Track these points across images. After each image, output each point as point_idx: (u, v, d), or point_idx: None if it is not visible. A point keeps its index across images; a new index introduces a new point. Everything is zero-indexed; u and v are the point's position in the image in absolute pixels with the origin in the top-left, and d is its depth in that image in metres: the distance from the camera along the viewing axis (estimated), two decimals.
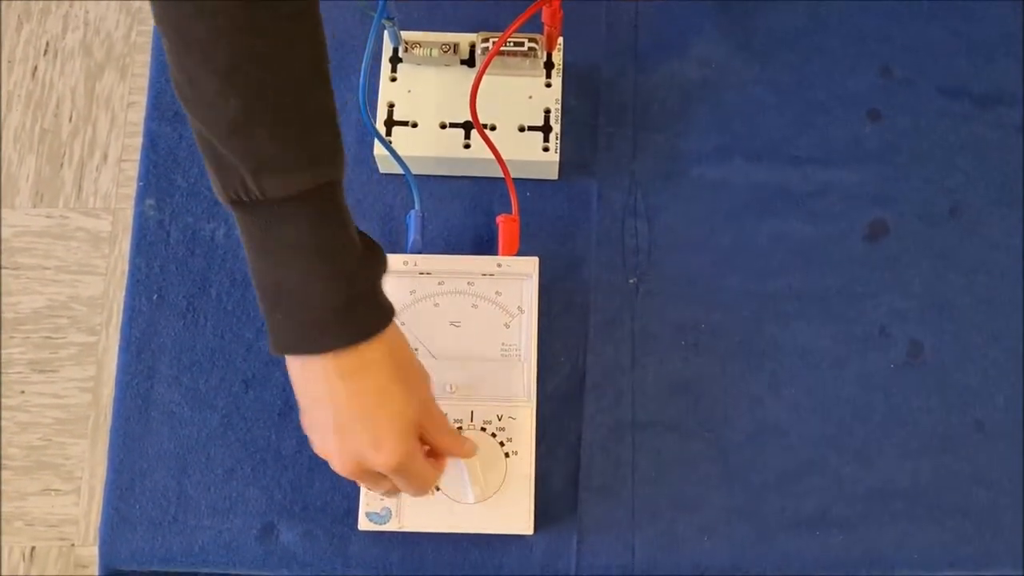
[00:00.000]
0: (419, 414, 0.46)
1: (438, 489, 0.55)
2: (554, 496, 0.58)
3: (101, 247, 1.17)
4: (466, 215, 0.63)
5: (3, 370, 1.14)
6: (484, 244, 0.62)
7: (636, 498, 0.58)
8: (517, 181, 0.61)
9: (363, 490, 0.55)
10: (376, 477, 0.46)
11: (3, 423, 1.12)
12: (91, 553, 1.09)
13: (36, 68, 1.23)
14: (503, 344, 0.57)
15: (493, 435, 0.56)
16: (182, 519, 0.58)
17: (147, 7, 0.77)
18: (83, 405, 1.13)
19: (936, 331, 0.61)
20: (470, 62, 0.63)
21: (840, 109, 0.65)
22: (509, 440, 0.56)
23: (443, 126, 0.62)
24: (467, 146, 0.62)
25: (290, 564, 0.57)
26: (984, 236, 0.63)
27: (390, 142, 0.60)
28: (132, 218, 0.63)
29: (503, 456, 0.55)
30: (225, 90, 0.40)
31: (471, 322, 0.58)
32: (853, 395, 0.60)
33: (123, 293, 0.62)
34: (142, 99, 1.23)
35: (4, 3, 1.24)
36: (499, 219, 0.60)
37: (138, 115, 1.22)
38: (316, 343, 0.44)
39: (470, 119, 0.58)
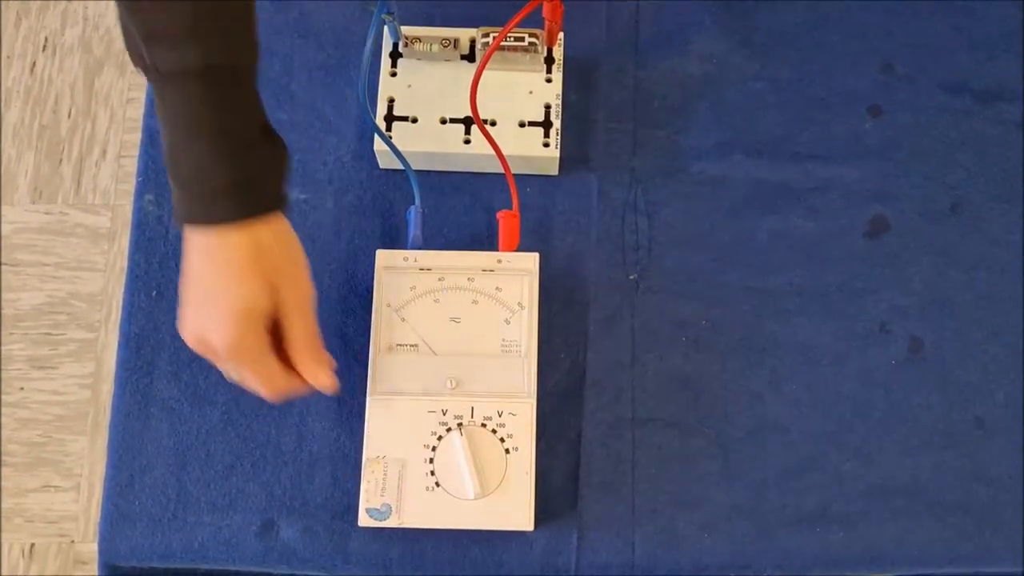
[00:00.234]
0: (275, 311, 0.47)
1: (438, 485, 0.55)
2: (554, 492, 0.58)
3: (100, 243, 1.17)
4: (466, 211, 0.63)
5: (3, 366, 1.14)
6: (484, 240, 0.62)
7: (636, 495, 0.58)
8: (517, 177, 0.61)
9: (363, 487, 0.55)
10: (219, 359, 0.48)
11: (3, 419, 1.12)
12: (91, 549, 1.09)
13: (35, 64, 1.23)
14: (503, 340, 0.57)
15: (493, 431, 0.56)
16: (182, 515, 0.58)
17: None
18: (82, 401, 1.13)
19: (937, 327, 0.61)
20: (470, 57, 0.63)
21: (841, 105, 0.65)
22: (509, 436, 0.56)
23: (443, 121, 0.62)
24: (467, 141, 0.61)
25: (290, 560, 0.57)
26: (985, 232, 0.63)
27: (390, 137, 0.60)
28: (131, 214, 0.63)
29: (503, 452, 0.55)
30: None
31: (471, 318, 0.58)
32: (853, 391, 0.60)
33: (122, 289, 0.62)
34: (141, 95, 1.23)
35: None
36: (499, 215, 0.60)
37: (137, 111, 1.22)
38: (193, 217, 0.47)
39: (470, 114, 0.58)
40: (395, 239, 0.62)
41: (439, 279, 0.58)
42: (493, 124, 0.61)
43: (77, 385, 1.13)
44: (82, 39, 1.23)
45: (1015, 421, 0.60)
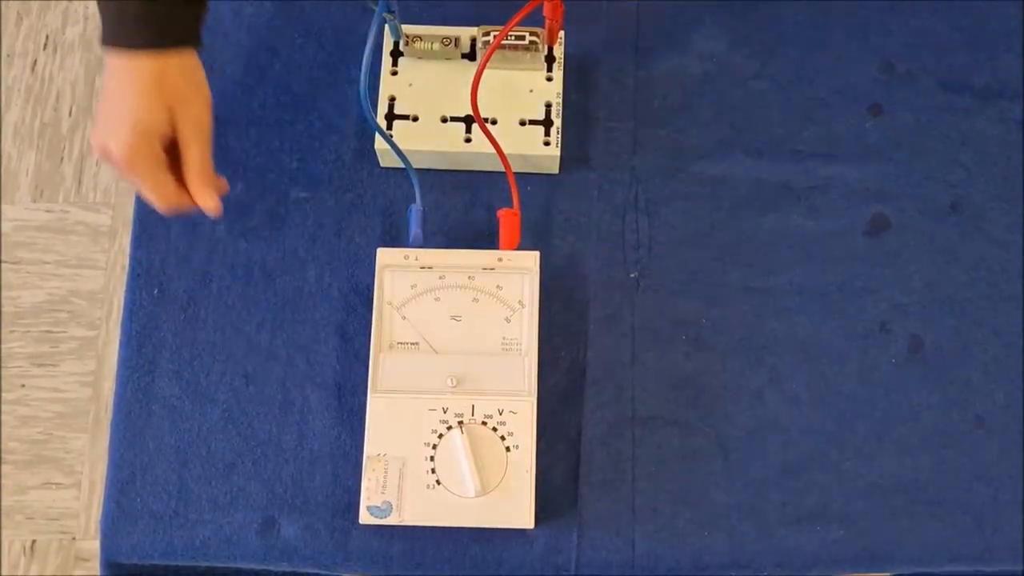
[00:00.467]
0: (170, 130, 0.53)
1: (439, 483, 0.55)
2: (554, 491, 0.58)
3: (101, 241, 1.17)
4: (467, 209, 0.63)
5: (3, 364, 1.14)
6: (485, 238, 0.62)
7: (636, 493, 0.58)
8: (518, 175, 0.61)
9: (364, 485, 0.55)
10: (118, 168, 0.53)
11: (3, 417, 1.12)
12: (92, 547, 1.09)
13: (36, 62, 1.23)
14: (504, 338, 0.57)
15: (494, 429, 0.56)
16: (183, 513, 0.58)
17: None
18: (83, 399, 1.13)
19: (937, 327, 0.61)
20: (471, 56, 0.63)
21: (841, 104, 0.65)
22: (510, 434, 0.56)
23: (444, 120, 0.62)
24: (468, 140, 0.61)
25: (291, 558, 0.57)
26: (985, 231, 0.63)
27: (391, 136, 0.60)
28: (132, 212, 0.63)
29: (504, 450, 0.55)
30: None
31: (472, 316, 0.58)
32: (854, 391, 0.60)
33: (123, 287, 0.62)
34: None
35: None
36: (500, 213, 0.60)
37: None
38: (110, 39, 0.52)
39: (471, 113, 0.58)
40: (396, 237, 0.62)
41: (440, 277, 0.58)
42: (494, 123, 0.61)
43: (78, 383, 1.13)
44: (83, 37, 1.23)
45: (1015, 420, 0.60)
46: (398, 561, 0.57)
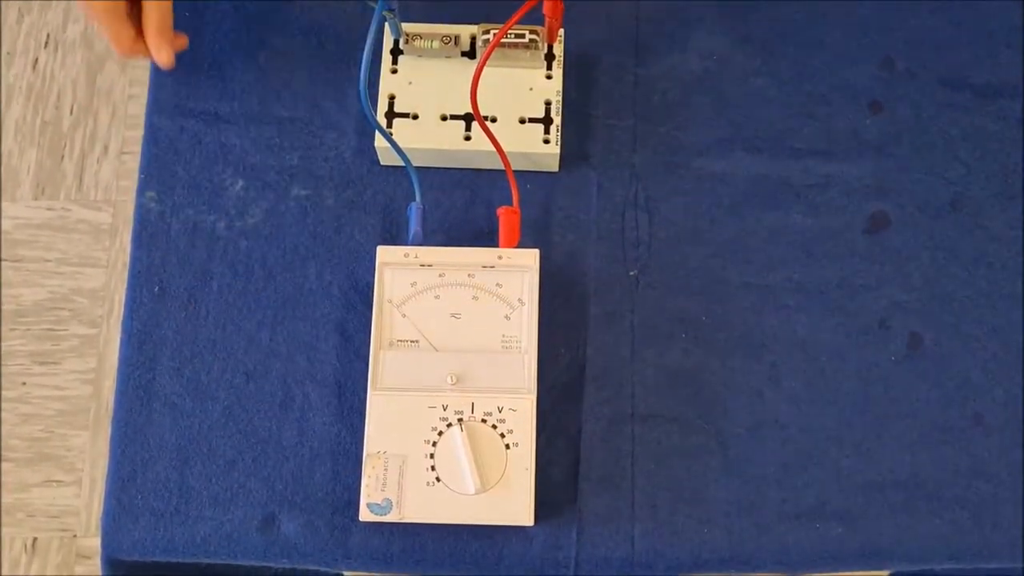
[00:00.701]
0: None
1: (438, 480, 0.55)
2: (554, 488, 0.58)
3: (102, 239, 1.17)
4: (467, 207, 0.63)
5: (4, 362, 1.14)
6: (485, 236, 0.62)
7: (636, 490, 0.58)
8: (518, 173, 0.61)
9: (364, 482, 0.55)
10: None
11: (4, 415, 1.13)
12: (93, 544, 1.09)
13: (37, 60, 1.23)
14: (503, 336, 0.58)
15: (494, 427, 0.56)
16: (184, 510, 0.58)
17: None
18: (84, 397, 1.13)
19: (936, 324, 0.61)
20: (471, 54, 0.63)
21: (841, 101, 0.65)
22: (509, 432, 0.56)
23: (444, 118, 0.62)
24: (468, 138, 0.62)
25: (291, 555, 0.58)
26: (985, 229, 0.63)
27: (391, 134, 0.60)
28: (133, 210, 0.64)
29: (503, 448, 0.56)
30: None
31: (472, 314, 0.58)
32: (853, 388, 0.60)
33: (124, 285, 0.63)
34: (143, 92, 1.23)
35: None
36: (500, 211, 0.60)
37: (139, 107, 1.22)
38: None
39: (471, 111, 0.58)
40: (396, 235, 0.62)
41: (439, 275, 0.58)
42: (493, 121, 0.62)
43: (79, 381, 1.13)
44: (84, 36, 1.23)
45: (1014, 417, 0.60)
46: (398, 558, 0.57)
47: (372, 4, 0.55)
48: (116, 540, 0.58)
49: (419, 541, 0.58)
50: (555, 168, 0.63)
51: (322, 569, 0.59)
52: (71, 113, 1.21)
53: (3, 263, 1.17)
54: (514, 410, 0.56)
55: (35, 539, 1.09)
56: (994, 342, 0.61)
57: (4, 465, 1.11)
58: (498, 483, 0.55)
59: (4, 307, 1.15)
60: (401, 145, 0.59)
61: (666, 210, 0.63)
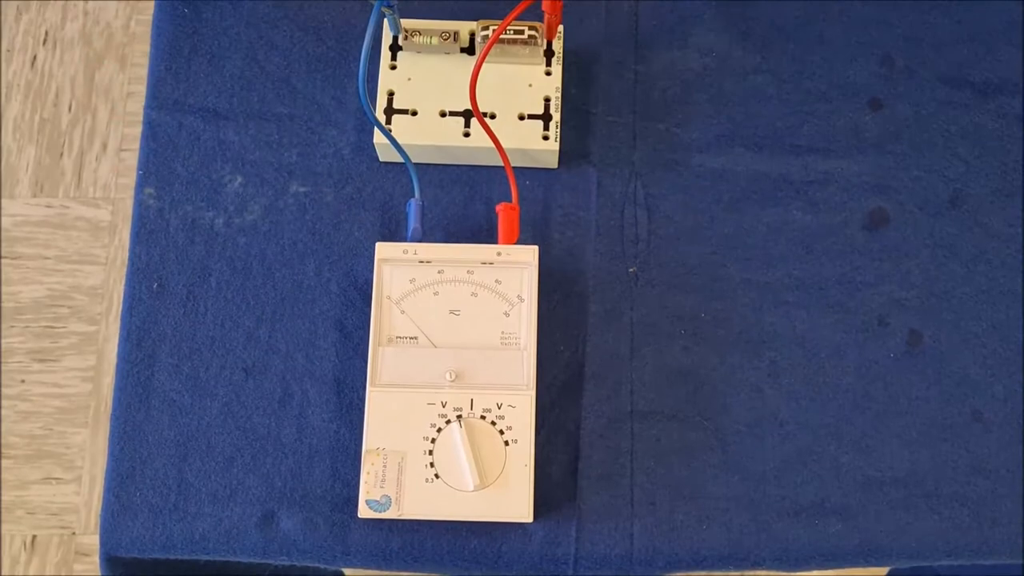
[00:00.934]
0: None
1: (437, 477, 0.55)
2: (553, 484, 0.58)
3: (101, 236, 1.17)
4: (466, 203, 0.63)
5: (3, 359, 1.14)
6: (484, 232, 0.62)
7: (635, 487, 0.58)
8: (517, 170, 0.61)
9: (363, 479, 0.55)
10: None
11: (4, 412, 1.13)
12: (92, 541, 1.09)
13: (35, 58, 1.23)
14: (503, 333, 0.58)
15: (493, 423, 0.56)
16: (182, 507, 0.58)
17: None
18: (84, 394, 1.13)
19: (935, 321, 0.61)
20: (470, 50, 0.63)
21: (841, 98, 0.65)
22: (509, 428, 0.56)
23: (443, 114, 0.62)
24: (467, 134, 0.62)
25: (290, 551, 0.58)
26: (984, 226, 0.63)
27: (390, 130, 0.60)
28: (132, 207, 0.64)
29: (503, 444, 0.56)
30: None
31: (471, 311, 0.58)
32: (852, 384, 0.60)
33: (123, 282, 0.62)
34: (141, 88, 1.23)
35: None
36: (499, 208, 0.60)
37: (137, 104, 1.22)
38: None
39: (470, 107, 0.58)
40: (395, 232, 0.62)
41: (439, 272, 0.58)
42: (492, 117, 0.61)
43: (78, 378, 1.13)
44: (82, 33, 1.23)
45: (1014, 414, 0.60)
46: (397, 554, 0.57)
47: (371, 0, 0.55)
48: (115, 537, 0.58)
49: (418, 538, 0.58)
50: (554, 165, 0.63)
51: (321, 566, 0.59)
52: (70, 110, 1.21)
53: (2, 260, 1.17)
54: (513, 407, 0.56)
55: (34, 537, 1.09)
56: (993, 339, 0.61)
57: (3, 462, 1.11)
58: (497, 480, 0.55)
59: (3, 305, 1.15)
60: (400, 141, 0.59)
61: (665, 207, 0.63)
